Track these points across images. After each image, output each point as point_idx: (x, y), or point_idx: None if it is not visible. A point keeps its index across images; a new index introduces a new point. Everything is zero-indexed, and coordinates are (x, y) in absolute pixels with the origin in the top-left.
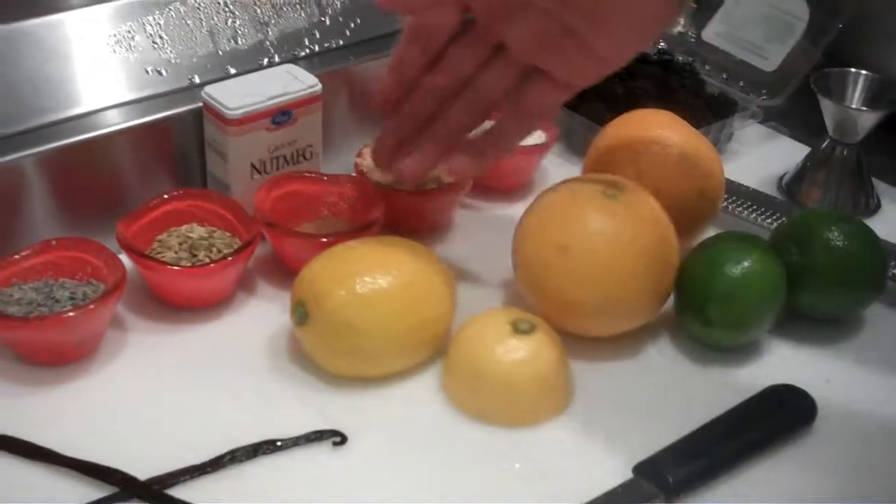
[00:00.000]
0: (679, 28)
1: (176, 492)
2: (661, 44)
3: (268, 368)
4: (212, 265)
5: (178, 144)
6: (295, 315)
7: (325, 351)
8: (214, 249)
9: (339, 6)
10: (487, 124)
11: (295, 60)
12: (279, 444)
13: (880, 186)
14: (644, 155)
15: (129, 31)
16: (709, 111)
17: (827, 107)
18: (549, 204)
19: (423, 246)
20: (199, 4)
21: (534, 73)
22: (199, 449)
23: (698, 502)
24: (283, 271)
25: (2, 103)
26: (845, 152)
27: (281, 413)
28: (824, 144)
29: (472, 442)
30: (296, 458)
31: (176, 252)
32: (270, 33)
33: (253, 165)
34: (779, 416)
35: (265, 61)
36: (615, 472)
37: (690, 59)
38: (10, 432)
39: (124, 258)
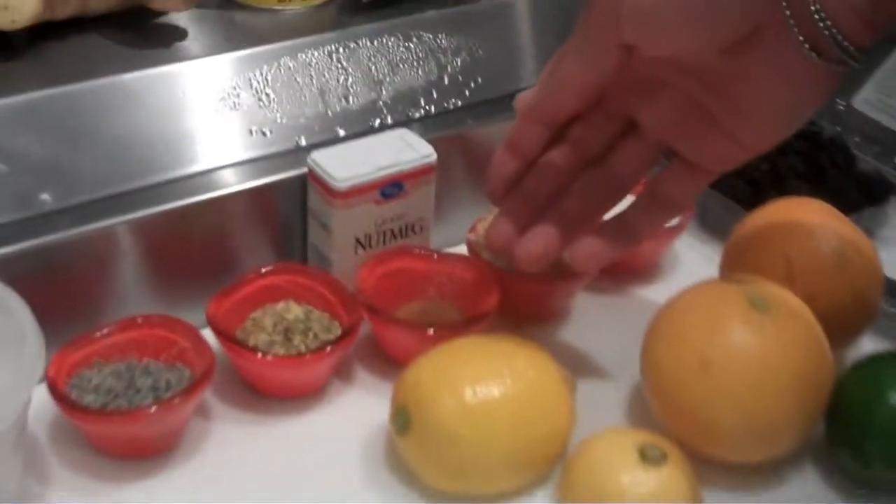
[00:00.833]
0: None
1: None
2: None
3: (362, 479)
4: (307, 356)
5: (279, 212)
6: (396, 422)
7: (427, 464)
8: (311, 334)
9: (458, 64)
10: (616, 208)
11: (409, 122)
12: None
13: None
14: (796, 255)
15: (235, 88)
16: (861, 194)
17: None
18: (688, 310)
19: (540, 348)
20: (311, 60)
21: (669, 155)
22: None
23: None
24: (385, 358)
25: (94, 164)
26: None
27: None
28: None
29: None
30: None
31: (269, 334)
32: (384, 92)
33: (357, 240)
34: None
35: (377, 122)
36: None
37: (838, 128)
38: None
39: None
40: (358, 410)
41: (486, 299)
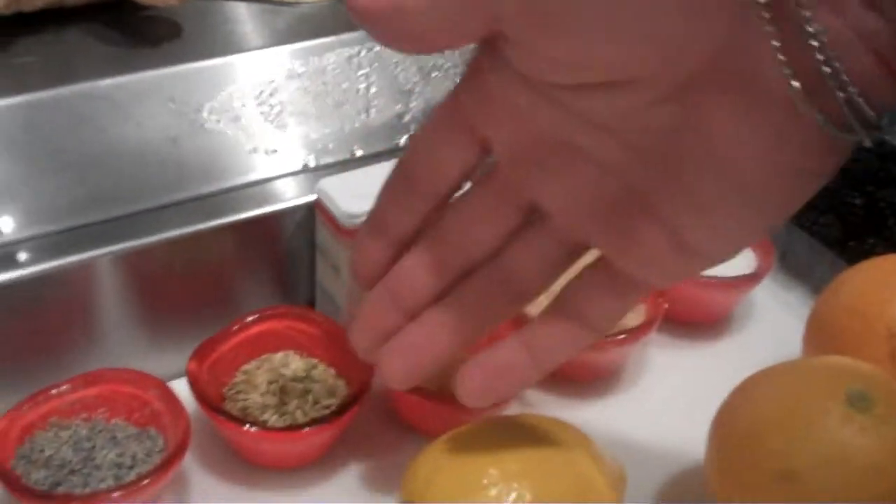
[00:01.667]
0: None
1: None
2: None
3: None
4: (303, 430)
5: (285, 246)
6: None
7: None
8: (310, 399)
9: None
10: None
11: None
12: None
13: None
14: None
15: (235, 97)
16: None
17: None
18: (766, 402)
19: (584, 437)
20: (327, 65)
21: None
22: None
23: None
24: (395, 422)
25: (64, 187)
26: None
27: None
28: None
29: None
30: None
31: (262, 395)
32: (413, 105)
33: None
34: None
35: (402, 141)
36: None
37: None
38: None
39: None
40: (363, 483)
41: None
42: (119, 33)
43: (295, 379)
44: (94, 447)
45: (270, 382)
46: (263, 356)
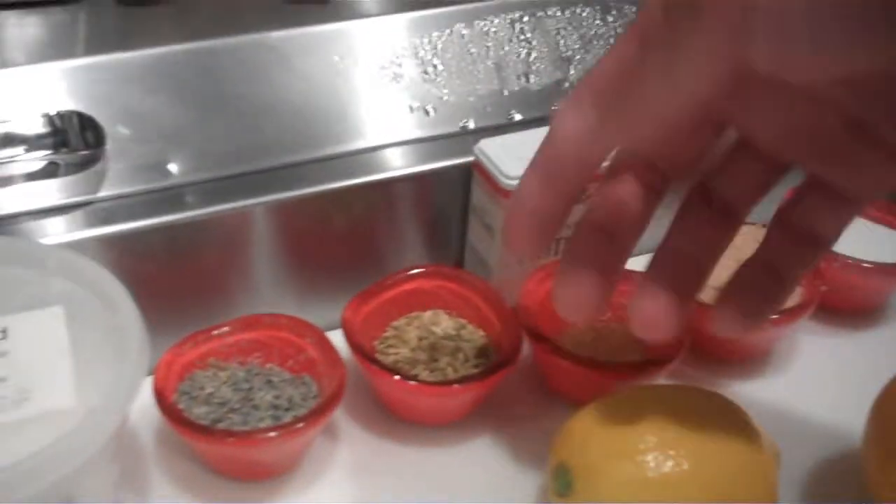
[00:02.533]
0: None
1: None
2: None
3: None
4: (455, 385)
5: (437, 205)
6: (555, 481)
7: None
8: (461, 356)
9: None
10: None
11: None
12: None
13: None
14: None
15: (397, 56)
16: None
17: None
18: None
19: (742, 410)
20: (489, 28)
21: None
22: None
23: None
24: (543, 385)
25: (229, 134)
26: None
27: None
28: None
29: None
30: None
31: (412, 350)
32: (572, 72)
33: None
34: None
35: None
36: None
37: None
38: None
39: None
40: (507, 447)
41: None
42: None
43: (445, 337)
44: (251, 388)
45: (421, 339)
46: (413, 313)
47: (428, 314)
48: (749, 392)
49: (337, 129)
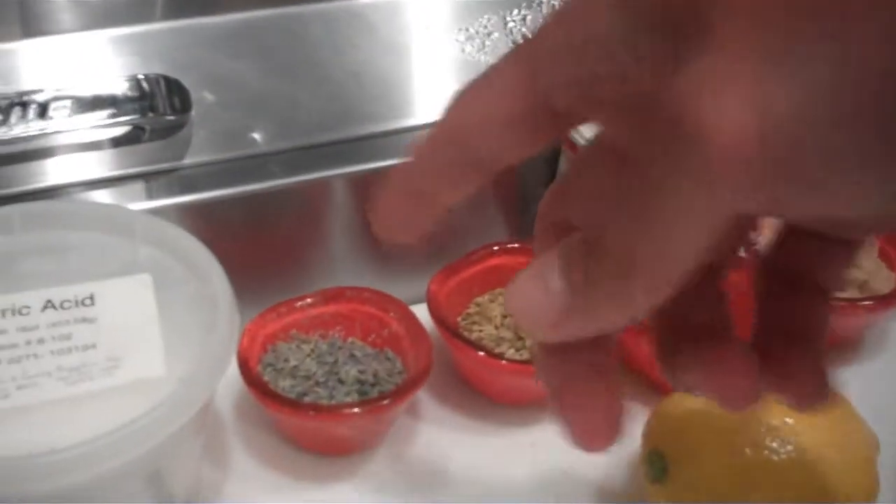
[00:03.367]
0: None
1: None
2: None
3: None
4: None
5: (519, 182)
6: (648, 465)
7: None
8: None
9: None
10: None
11: None
12: None
13: None
14: None
15: (485, 26)
16: None
17: None
18: None
19: (842, 397)
20: None
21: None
22: None
23: None
24: (631, 369)
25: (313, 103)
26: None
27: None
28: None
29: None
30: None
31: (497, 328)
32: None
33: None
34: None
35: None
36: None
37: None
38: None
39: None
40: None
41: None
42: None
43: None
44: (336, 362)
45: (504, 316)
46: (496, 290)
47: None
48: (841, 379)
49: (422, 99)
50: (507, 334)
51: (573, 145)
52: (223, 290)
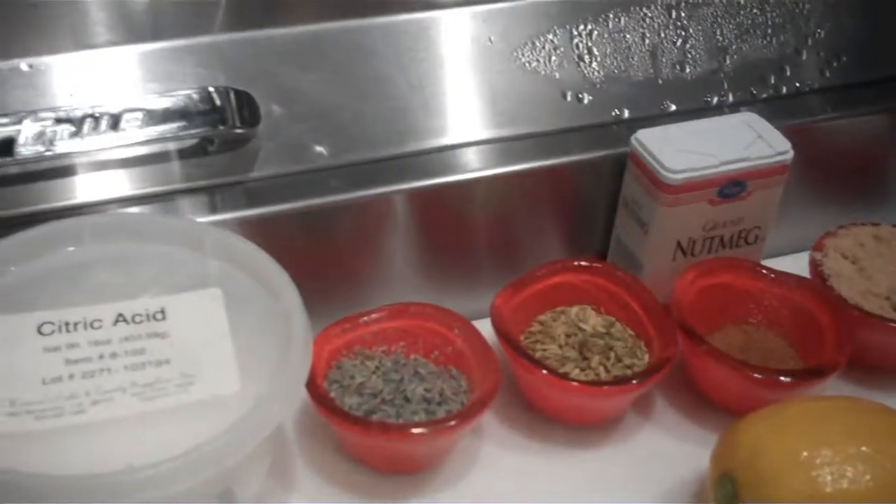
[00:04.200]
0: None
1: None
2: None
3: None
4: (609, 386)
5: (581, 196)
6: (718, 491)
7: None
8: (612, 356)
9: (822, 36)
10: None
11: (753, 102)
12: None
13: None
14: None
15: (551, 40)
16: None
17: None
18: None
19: None
20: (645, 15)
21: None
22: None
23: None
24: (695, 390)
25: (378, 117)
26: None
27: None
28: None
29: None
30: None
31: (561, 347)
32: (728, 63)
33: (679, 244)
34: None
35: (715, 99)
36: None
37: None
38: None
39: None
40: (656, 453)
41: (827, 339)
42: None
43: (595, 335)
44: (402, 379)
45: (569, 335)
46: (558, 308)
47: (574, 310)
48: None
49: (487, 113)
50: (572, 354)
51: (640, 163)
52: (295, 305)
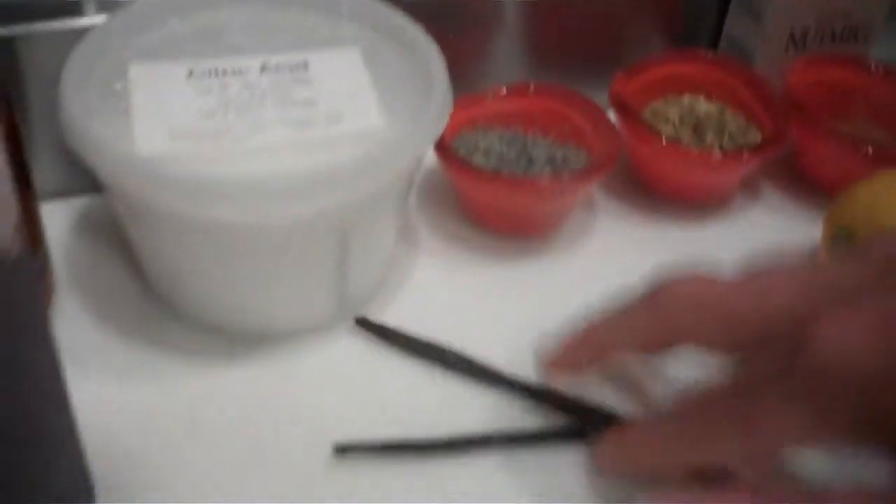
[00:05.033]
0: None
1: None
2: None
3: None
4: (723, 156)
5: None
6: (833, 241)
7: None
8: (726, 134)
9: None
10: None
11: None
12: None
13: None
14: None
15: None
16: None
17: None
18: None
19: None
20: None
21: None
22: None
23: None
24: (799, 176)
25: None
26: None
27: None
28: None
29: None
30: None
31: (675, 127)
32: None
33: (792, 35)
34: None
35: None
36: None
37: None
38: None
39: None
40: (762, 230)
41: None
42: None
43: (708, 117)
44: (525, 145)
45: (683, 117)
46: (669, 97)
47: (686, 98)
48: None
49: None
50: (687, 133)
51: None
52: (434, 54)
